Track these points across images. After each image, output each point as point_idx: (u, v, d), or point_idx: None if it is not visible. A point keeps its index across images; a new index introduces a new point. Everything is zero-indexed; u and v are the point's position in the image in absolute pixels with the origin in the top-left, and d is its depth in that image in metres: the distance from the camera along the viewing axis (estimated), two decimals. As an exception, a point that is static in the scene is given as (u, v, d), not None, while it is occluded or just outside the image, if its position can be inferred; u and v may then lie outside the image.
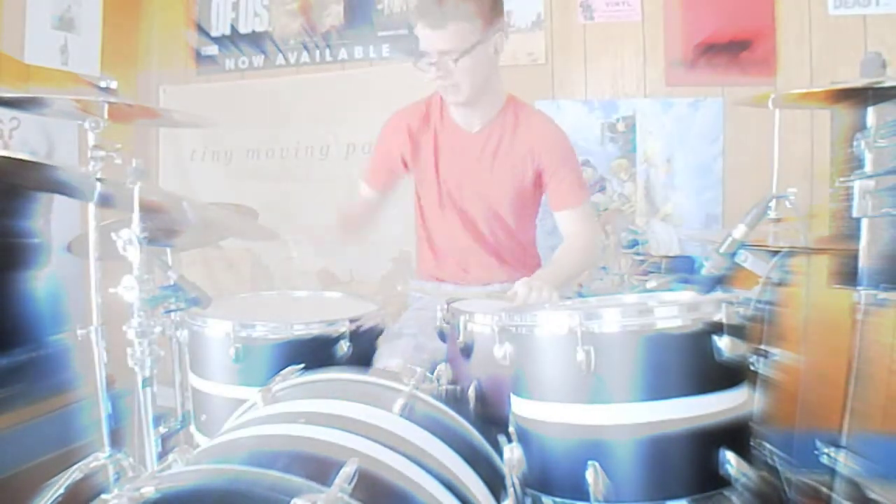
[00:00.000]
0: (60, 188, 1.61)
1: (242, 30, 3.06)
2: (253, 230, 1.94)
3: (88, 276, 1.64)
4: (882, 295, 1.33)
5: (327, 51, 2.94)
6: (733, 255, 1.26)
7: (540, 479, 1.14)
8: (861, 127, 1.35)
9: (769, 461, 1.56)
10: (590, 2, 2.59)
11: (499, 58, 1.83)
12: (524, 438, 1.18)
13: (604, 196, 2.62)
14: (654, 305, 1.13)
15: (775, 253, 1.33)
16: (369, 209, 2.05)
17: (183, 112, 1.86)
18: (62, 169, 1.45)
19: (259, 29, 3.04)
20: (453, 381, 1.48)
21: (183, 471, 0.93)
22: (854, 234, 1.37)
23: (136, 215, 1.35)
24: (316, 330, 1.50)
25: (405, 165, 1.99)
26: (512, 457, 1.14)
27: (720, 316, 1.07)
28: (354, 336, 1.52)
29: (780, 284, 1.35)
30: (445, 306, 1.56)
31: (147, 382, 1.40)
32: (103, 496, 0.83)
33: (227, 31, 3.08)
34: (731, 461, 1.03)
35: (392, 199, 2.59)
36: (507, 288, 1.94)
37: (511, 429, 1.23)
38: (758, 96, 1.56)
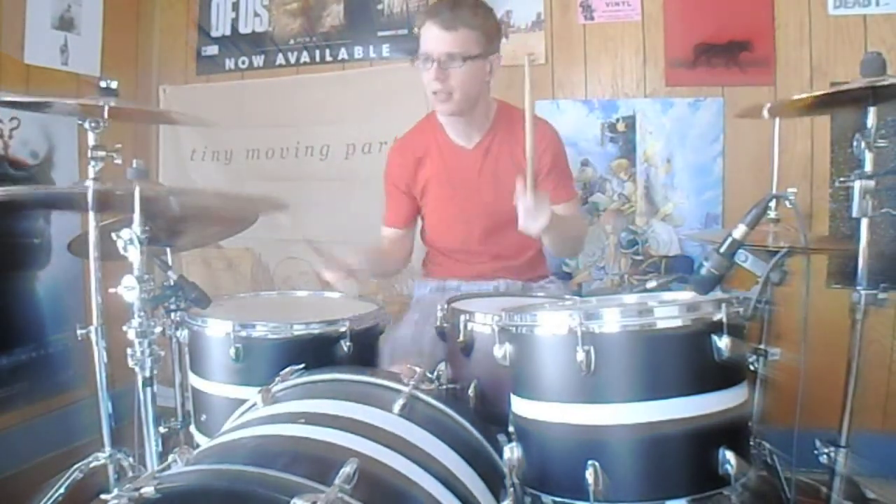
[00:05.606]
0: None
1: (242, 30, 3.06)
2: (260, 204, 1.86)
3: (88, 276, 1.64)
4: (881, 295, 1.33)
5: (327, 51, 2.94)
6: (733, 255, 1.26)
7: (540, 478, 1.14)
8: (861, 127, 1.35)
9: (768, 460, 1.56)
10: (590, 2, 2.59)
11: (491, 80, 1.89)
12: (524, 438, 1.18)
13: (604, 196, 2.62)
14: (654, 305, 1.13)
15: (775, 253, 1.33)
16: (398, 246, 2.06)
17: (183, 112, 1.86)
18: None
19: (259, 29, 3.04)
20: (453, 381, 1.49)
21: (183, 471, 0.93)
22: (853, 234, 1.37)
23: (136, 215, 1.35)
24: (316, 330, 1.50)
25: (416, 196, 2.03)
26: (512, 456, 1.14)
27: (720, 316, 1.07)
28: (354, 336, 1.52)
29: (779, 284, 1.35)
30: (445, 306, 1.56)
31: (147, 382, 1.40)
32: (103, 496, 0.83)
33: (228, 32, 3.08)
34: (730, 461, 1.03)
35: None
36: (510, 286, 1.97)
37: (511, 428, 1.23)
38: (754, 107, 1.57)
